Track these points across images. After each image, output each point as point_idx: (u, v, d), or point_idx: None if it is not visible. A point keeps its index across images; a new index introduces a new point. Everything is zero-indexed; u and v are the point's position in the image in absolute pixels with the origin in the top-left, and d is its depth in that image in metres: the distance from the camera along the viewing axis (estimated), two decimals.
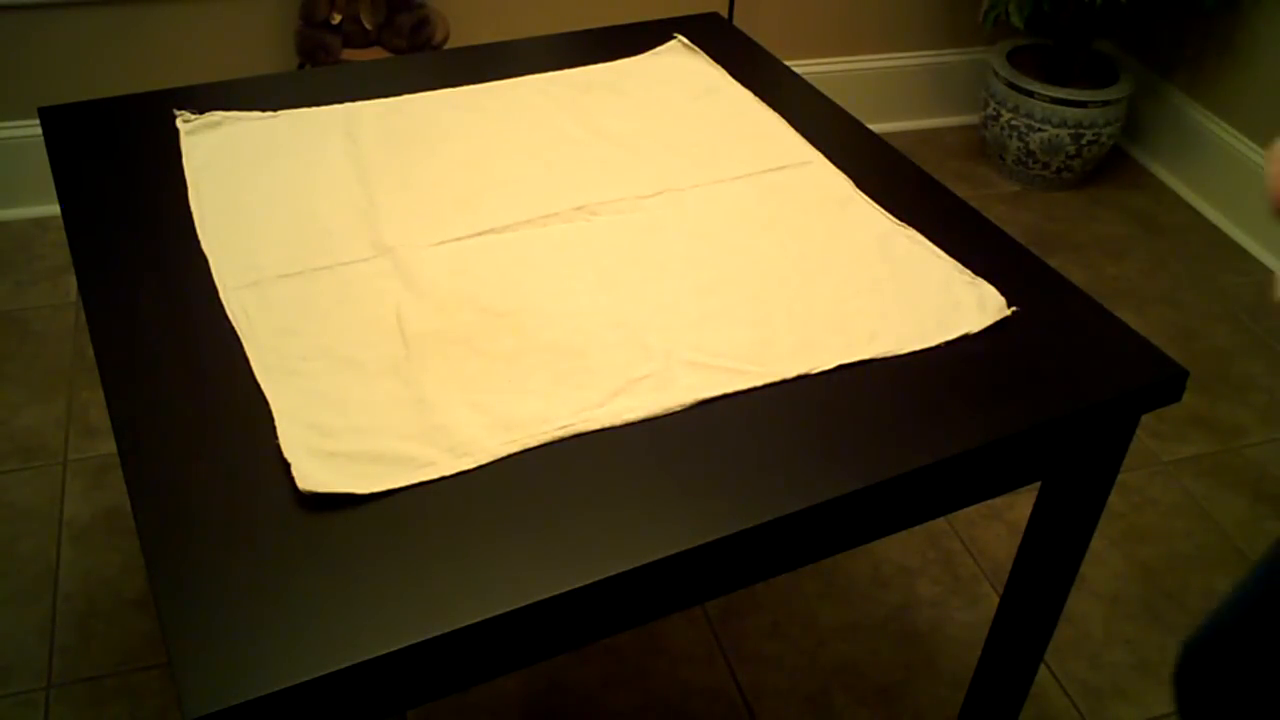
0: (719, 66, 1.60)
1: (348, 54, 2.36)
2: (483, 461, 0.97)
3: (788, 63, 1.66)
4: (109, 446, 1.98)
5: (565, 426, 1.00)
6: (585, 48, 1.65)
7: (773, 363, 1.08)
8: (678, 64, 1.62)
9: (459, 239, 1.23)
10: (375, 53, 2.38)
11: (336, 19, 2.34)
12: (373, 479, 0.94)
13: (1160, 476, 2.07)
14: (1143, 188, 2.91)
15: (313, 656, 0.81)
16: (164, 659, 1.64)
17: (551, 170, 1.36)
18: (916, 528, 1.86)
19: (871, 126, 1.51)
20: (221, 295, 1.14)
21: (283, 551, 0.89)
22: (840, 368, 1.09)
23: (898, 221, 1.29)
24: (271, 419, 1.00)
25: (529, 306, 1.14)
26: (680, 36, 1.67)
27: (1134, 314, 2.47)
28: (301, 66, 2.41)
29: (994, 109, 2.80)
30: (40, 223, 2.52)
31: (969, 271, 1.20)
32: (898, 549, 1.90)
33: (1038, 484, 1.20)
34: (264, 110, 1.45)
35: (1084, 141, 2.73)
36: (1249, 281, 2.59)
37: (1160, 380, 1.09)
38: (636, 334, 1.11)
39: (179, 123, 1.41)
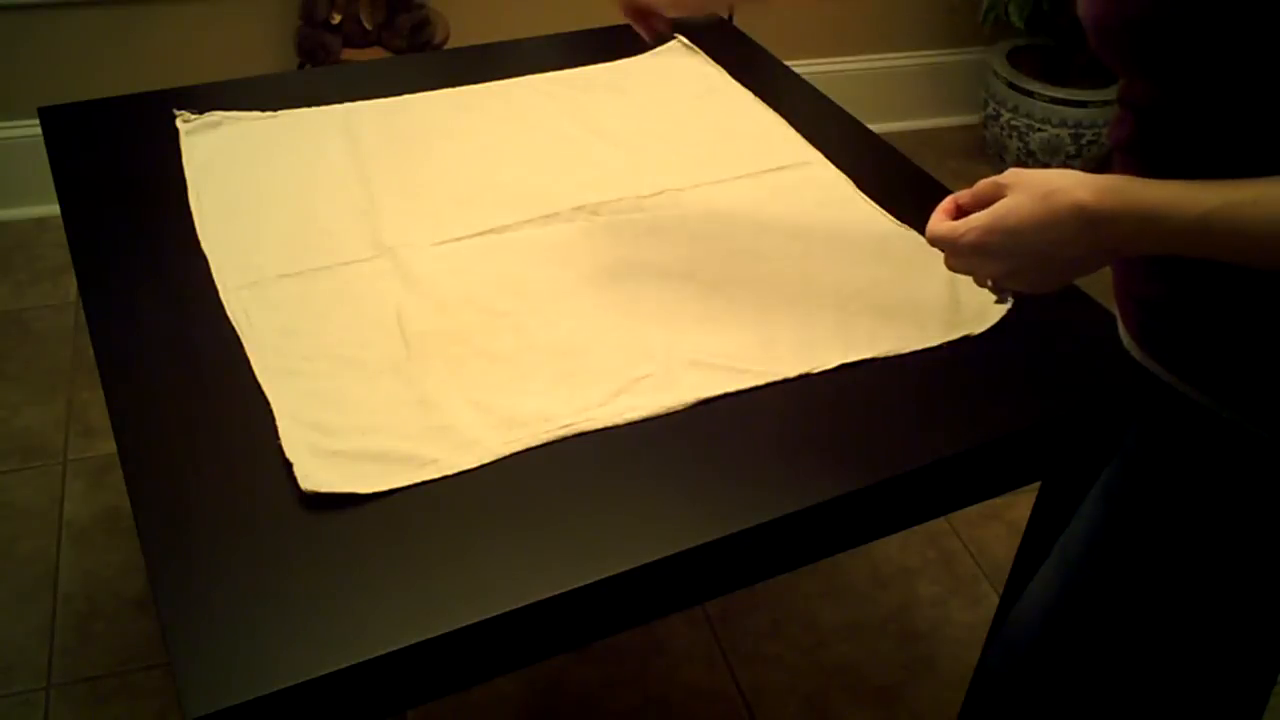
0: (719, 66, 1.60)
1: (348, 54, 2.36)
2: (484, 461, 0.97)
3: (788, 63, 1.66)
4: (109, 446, 1.98)
5: (567, 425, 1.00)
6: (585, 48, 1.65)
7: (774, 363, 1.08)
8: (678, 64, 1.62)
9: (459, 239, 1.23)
10: (375, 53, 2.38)
11: (336, 19, 2.34)
12: (375, 478, 0.94)
13: None
14: None
15: (313, 656, 0.81)
16: (164, 659, 1.64)
17: (552, 170, 1.36)
18: (916, 528, 1.86)
19: (871, 126, 1.51)
20: (221, 295, 1.14)
21: (283, 551, 0.89)
22: (841, 367, 1.09)
23: (898, 221, 1.29)
24: (272, 419, 1.00)
25: (529, 306, 1.14)
26: (680, 37, 1.67)
27: None
28: (301, 66, 2.41)
29: (994, 109, 2.80)
30: (40, 223, 2.52)
31: None
32: (898, 549, 1.90)
33: (1038, 484, 1.20)
34: (264, 110, 1.45)
35: (1084, 141, 2.73)
36: None
37: None
38: (637, 334, 1.11)
39: (179, 123, 1.40)
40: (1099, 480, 0.97)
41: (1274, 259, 0.75)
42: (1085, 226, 0.81)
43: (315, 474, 0.94)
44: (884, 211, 1.31)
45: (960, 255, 0.91)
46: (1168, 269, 0.85)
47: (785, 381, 1.07)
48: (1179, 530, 0.88)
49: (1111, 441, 1.14)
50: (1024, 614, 1.04)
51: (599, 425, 1.01)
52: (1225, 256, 0.77)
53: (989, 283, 0.92)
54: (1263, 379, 0.81)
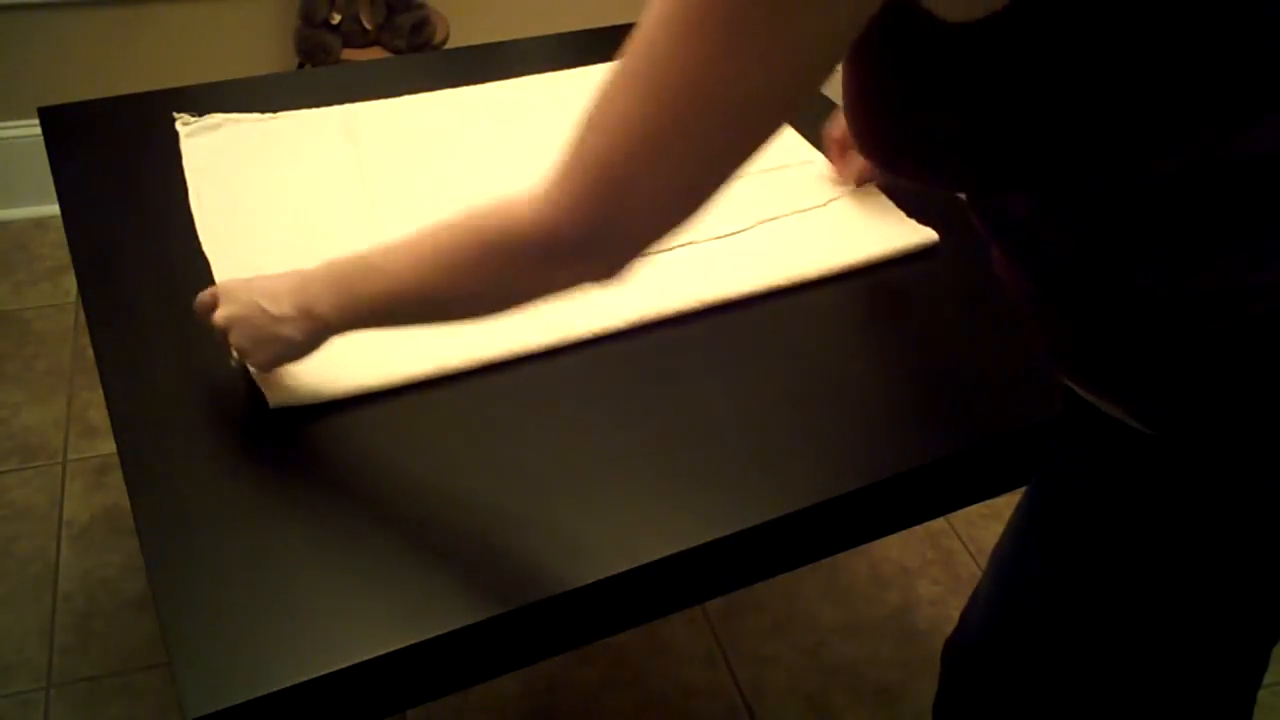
0: None
1: (348, 54, 2.36)
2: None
3: None
4: (109, 446, 1.98)
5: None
6: (585, 48, 1.65)
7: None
8: None
9: None
10: (375, 53, 2.38)
11: (336, 19, 2.34)
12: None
13: None
14: None
15: (313, 656, 0.81)
16: (164, 659, 1.64)
17: None
18: (916, 528, 1.86)
19: None
20: None
21: (283, 551, 0.89)
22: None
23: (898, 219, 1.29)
24: None
25: None
26: None
27: None
28: (301, 66, 2.41)
29: None
30: (40, 223, 2.52)
31: None
32: (898, 549, 1.90)
33: None
34: (263, 111, 1.45)
35: None
36: None
37: None
38: (639, 325, 1.11)
39: (178, 126, 1.40)
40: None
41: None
42: (296, 283, 0.92)
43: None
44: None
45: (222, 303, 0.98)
46: (1054, 296, 0.85)
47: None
48: (1082, 530, 0.89)
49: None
50: (972, 606, 1.05)
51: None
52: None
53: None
54: (1139, 380, 0.81)
